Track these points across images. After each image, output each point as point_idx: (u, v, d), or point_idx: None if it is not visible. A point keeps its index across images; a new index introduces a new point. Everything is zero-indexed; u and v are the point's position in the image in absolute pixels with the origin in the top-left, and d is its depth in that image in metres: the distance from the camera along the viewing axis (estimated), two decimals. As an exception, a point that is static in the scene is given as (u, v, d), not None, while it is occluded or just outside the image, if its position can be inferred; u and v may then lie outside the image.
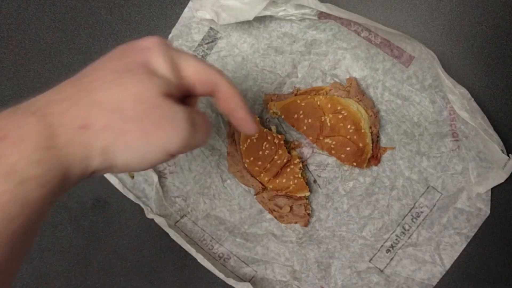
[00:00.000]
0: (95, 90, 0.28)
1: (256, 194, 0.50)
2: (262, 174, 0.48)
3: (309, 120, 0.47)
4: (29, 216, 0.25)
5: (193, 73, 0.31)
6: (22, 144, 0.25)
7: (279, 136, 0.48)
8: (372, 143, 0.48)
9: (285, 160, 0.48)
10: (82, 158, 0.27)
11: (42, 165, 0.25)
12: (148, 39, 0.32)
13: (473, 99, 0.45)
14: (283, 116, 0.48)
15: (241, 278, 0.51)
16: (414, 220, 0.50)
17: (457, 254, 0.49)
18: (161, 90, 0.29)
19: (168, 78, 0.30)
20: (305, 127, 0.48)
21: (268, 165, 0.48)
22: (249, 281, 0.50)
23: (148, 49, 0.31)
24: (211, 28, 0.49)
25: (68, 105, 0.27)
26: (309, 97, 0.48)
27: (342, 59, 0.49)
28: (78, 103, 0.27)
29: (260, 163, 0.48)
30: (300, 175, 0.48)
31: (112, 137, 0.27)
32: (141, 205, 0.50)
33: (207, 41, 0.49)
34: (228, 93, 0.33)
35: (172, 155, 0.30)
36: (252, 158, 0.48)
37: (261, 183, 0.49)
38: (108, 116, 0.27)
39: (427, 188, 0.49)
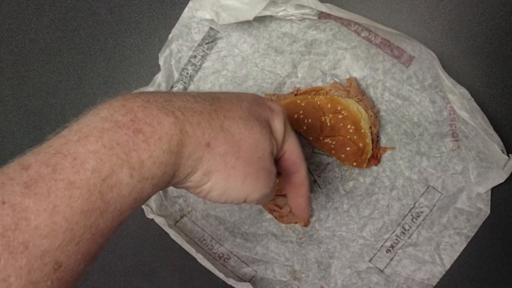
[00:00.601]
0: (226, 119, 0.30)
1: (256, 194, 0.50)
2: (262, 174, 0.48)
3: (309, 120, 0.47)
4: (134, 210, 0.26)
5: (290, 150, 0.35)
6: (156, 143, 0.26)
7: (279, 136, 0.48)
8: (372, 143, 0.48)
9: (285, 160, 0.48)
10: (189, 172, 0.28)
11: (163, 167, 0.26)
12: (274, 103, 0.35)
13: (473, 99, 0.45)
14: (283, 116, 0.48)
15: (241, 278, 0.51)
16: (414, 220, 0.50)
17: (457, 254, 0.49)
18: (271, 148, 0.32)
19: (278, 142, 0.33)
20: (305, 127, 0.48)
21: (268, 165, 0.48)
22: (249, 281, 0.50)
23: (273, 110, 0.34)
24: (211, 28, 0.49)
25: (202, 120, 0.29)
26: (309, 97, 0.48)
27: (342, 59, 0.49)
28: (211, 123, 0.29)
29: (260, 163, 0.48)
30: (300, 175, 0.48)
31: (221, 165, 0.29)
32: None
33: (207, 41, 0.49)
34: (304, 181, 0.37)
35: (244, 202, 0.32)
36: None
37: (261, 183, 0.49)
38: (228, 146, 0.29)
39: (427, 188, 0.49)
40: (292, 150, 0.35)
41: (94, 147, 0.24)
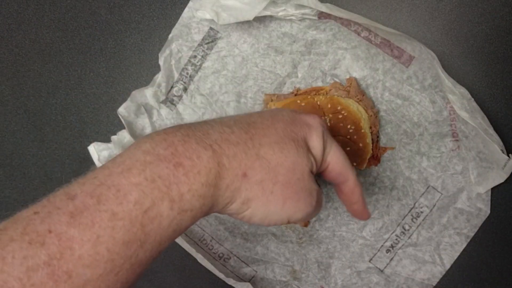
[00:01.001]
0: (262, 146, 0.30)
1: (256, 194, 0.50)
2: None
3: (309, 120, 0.47)
4: (171, 240, 0.27)
5: (334, 161, 0.34)
6: (195, 177, 0.26)
7: (279, 136, 0.48)
8: (372, 143, 0.48)
9: (285, 160, 0.48)
10: (228, 201, 0.29)
11: (202, 199, 0.27)
12: (312, 117, 0.34)
13: (473, 99, 0.45)
14: (283, 116, 0.48)
15: (241, 278, 0.51)
16: (414, 220, 0.50)
17: (457, 254, 0.49)
18: (309, 165, 0.32)
19: (316, 158, 0.33)
20: (305, 127, 0.48)
21: (268, 165, 0.48)
22: (249, 281, 0.50)
23: (310, 126, 0.33)
24: (211, 28, 0.49)
25: (238, 151, 0.29)
26: (309, 97, 0.48)
27: (342, 59, 0.49)
28: (247, 152, 0.29)
29: (260, 163, 0.48)
30: (300, 175, 0.48)
31: (259, 192, 0.30)
32: (141, 205, 0.50)
33: (207, 41, 0.49)
34: (354, 188, 0.36)
35: (289, 223, 0.32)
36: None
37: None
38: (265, 173, 0.30)
39: (427, 188, 0.49)
40: (336, 162, 0.35)
41: (136, 180, 0.25)
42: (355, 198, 0.36)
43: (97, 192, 0.24)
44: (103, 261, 0.23)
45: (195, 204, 0.27)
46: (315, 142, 0.33)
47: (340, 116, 0.47)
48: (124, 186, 0.25)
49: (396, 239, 0.50)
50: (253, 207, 0.30)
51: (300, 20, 0.48)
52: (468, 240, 0.49)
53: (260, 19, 0.48)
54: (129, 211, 0.24)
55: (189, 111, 0.50)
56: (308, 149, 0.32)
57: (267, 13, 0.46)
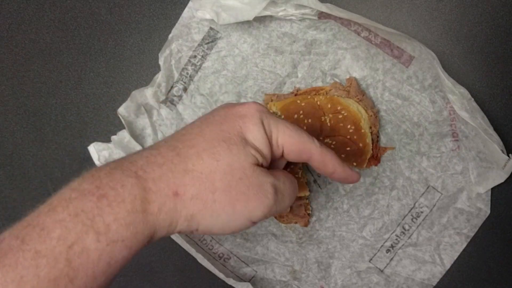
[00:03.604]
0: (189, 159, 0.29)
1: (256, 194, 0.50)
2: (262, 174, 0.48)
3: (309, 120, 0.47)
4: (111, 274, 0.26)
5: (287, 142, 0.32)
6: (119, 205, 0.26)
7: (279, 136, 0.48)
8: (372, 143, 0.48)
9: (285, 160, 0.48)
10: (169, 224, 0.28)
11: (132, 228, 0.26)
12: (246, 105, 0.32)
13: (473, 99, 0.45)
14: (283, 116, 0.48)
15: (241, 278, 0.51)
16: (414, 220, 0.50)
17: (457, 254, 0.49)
18: (251, 160, 0.30)
19: (258, 148, 0.31)
20: (305, 127, 0.48)
21: (268, 165, 0.48)
22: (249, 281, 0.50)
23: (244, 116, 0.31)
24: (211, 28, 0.49)
25: (164, 171, 0.28)
26: (309, 97, 0.48)
27: (342, 59, 0.49)
28: (173, 170, 0.28)
29: (260, 163, 0.48)
30: (300, 175, 0.48)
31: (200, 206, 0.29)
32: (141, 205, 0.50)
33: (207, 41, 0.49)
34: (322, 158, 0.33)
35: (255, 222, 0.31)
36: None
37: (261, 183, 0.49)
38: (198, 186, 0.28)
39: (427, 188, 0.49)
40: (290, 141, 0.32)
41: (60, 216, 0.25)
42: (331, 166, 0.34)
43: (23, 233, 0.24)
44: None
45: (124, 234, 0.26)
46: (254, 132, 0.31)
47: (340, 116, 0.47)
48: (48, 224, 0.25)
49: (396, 239, 0.50)
50: (202, 220, 0.29)
51: (300, 20, 0.48)
52: (468, 240, 0.49)
53: (260, 19, 0.48)
54: (52, 248, 0.24)
55: (189, 111, 0.50)
56: (246, 143, 0.30)
57: (267, 13, 0.46)
